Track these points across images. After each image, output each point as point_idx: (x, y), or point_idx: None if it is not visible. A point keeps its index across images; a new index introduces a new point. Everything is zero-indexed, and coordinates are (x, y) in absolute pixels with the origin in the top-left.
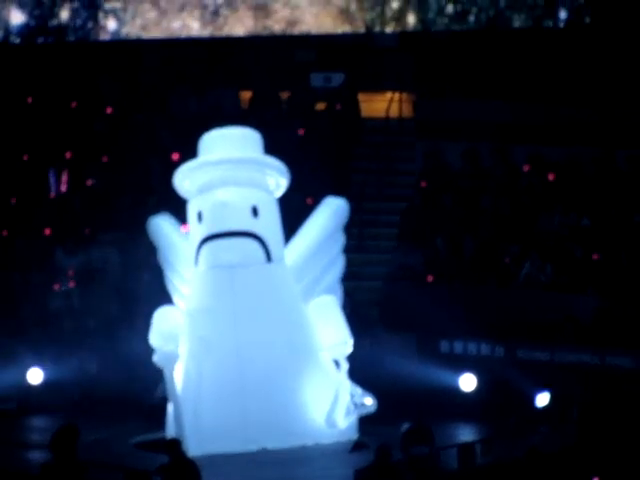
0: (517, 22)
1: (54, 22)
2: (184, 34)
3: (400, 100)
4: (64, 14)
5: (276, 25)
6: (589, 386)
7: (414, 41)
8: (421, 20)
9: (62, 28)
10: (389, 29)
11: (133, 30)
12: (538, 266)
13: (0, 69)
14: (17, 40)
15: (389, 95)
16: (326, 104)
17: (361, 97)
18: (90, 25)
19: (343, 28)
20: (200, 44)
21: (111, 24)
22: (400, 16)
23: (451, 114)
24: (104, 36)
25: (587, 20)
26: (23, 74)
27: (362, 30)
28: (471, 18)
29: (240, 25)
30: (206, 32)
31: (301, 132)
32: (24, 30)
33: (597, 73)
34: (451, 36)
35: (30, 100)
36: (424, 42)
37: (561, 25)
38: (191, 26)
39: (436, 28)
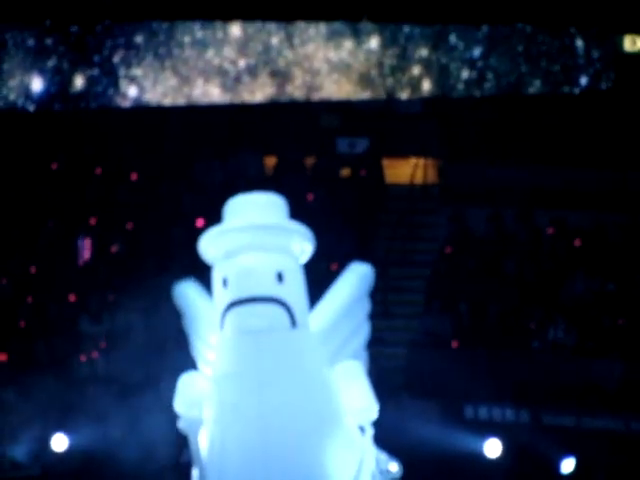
0: (536, 87)
1: (74, 89)
2: (205, 101)
3: (424, 166)
4: (83, 81)
5: (297, 91)
6: (615, 452)
7: (437, 107)
8: (441, 86)
9: (82, 95)
10: (409, 95)
11: (154, 97)
12: (563, 330)
13: (24, 136)
14: (37, 107)
15: (413, 161)
16: (351, 170)
17: (385, 163)
18: (111, 92)
19: (364, 94)
20: (223, 110)
21: (132, 91)
22: (419, 82)
23: (475, 179)
24: (125, 103)
25: (608, 85)
26: (47, 140)
27: (383, 96)
28: (490, 84)
29: (261, 92)
30: (227, 98)
31: (326, 198)
32: (45, 97)
33: (621, 137)
34: (473, 102)
35: (55, 167)
36: (447, 108)
37: (581, 90)
38: (212, 93)
39: (456, 94)
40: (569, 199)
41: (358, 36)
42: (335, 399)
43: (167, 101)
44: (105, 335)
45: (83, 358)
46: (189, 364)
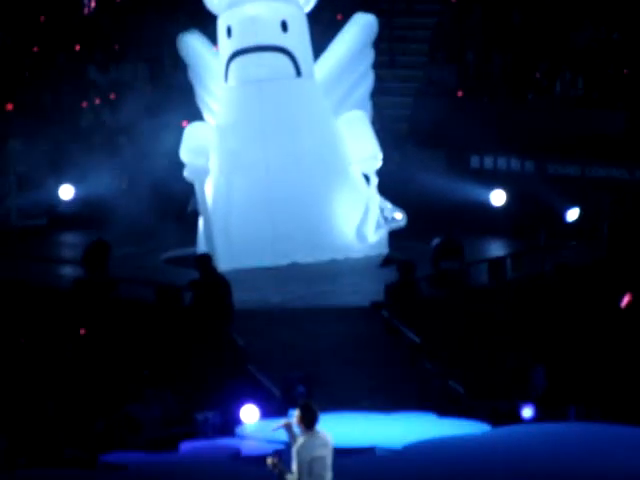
0: None
1: None
2: None
3: None
4: None
5: None
6: (618, 200)
7: None
8: None
9: None
10: None
11: None
12: (569, 81)
13: None
14: None
15: None
16: None
17: None
18: None
19: None
20: None
21: None
22: None
23: None
24: None
25: None
26: None
27: None
28: None
29: None
30: None
31: None
32: None
33: None
34: None
35: None
36: None
37: None
38: None
39: None
40: None
41: None
42: (340, 148)
43: None
44: (112, 84)
45: (87, 105)
46: (194, 117)
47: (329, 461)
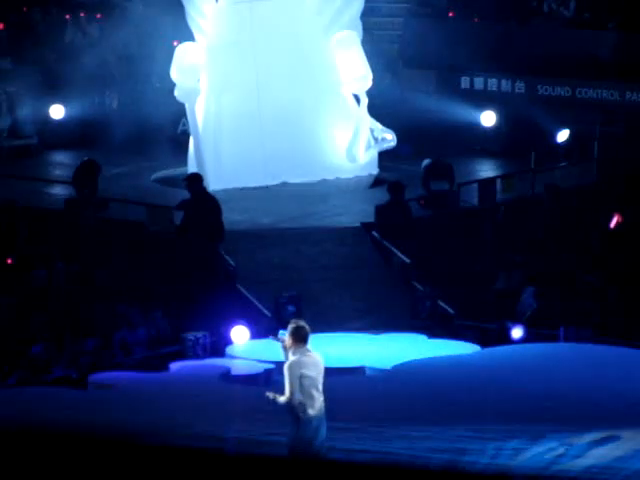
0: None
1: None
2: None
3: None
4: None
5: None
6: (609, 122)
7: None
8: None
9: None
10: None
11: None
12: (561, 1)
13: None
14: None
15: None
16: None
17: None
18: None
19: None
20: None
21: None
22: None
23: None
24: None
25: None
26: None
27: None
28: None
29: None
30: None
31: None
32: None
33: None
34: None
35: None
36: None
37: None
38: None
39: None
40: None
41: None
42: (330, 68)
43: None
44: (99, 4)
45: (70, 21)
46: (185, 38)
47: (320, 382)
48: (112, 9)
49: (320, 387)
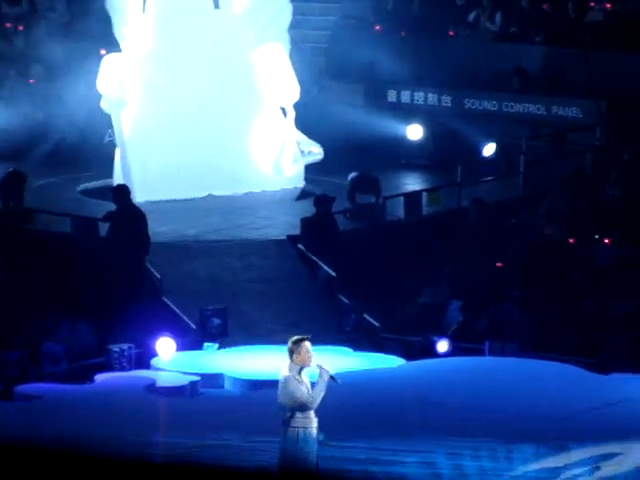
0: None
1: None
2: None
3: None
4: None
5: None
6: (534, 137)
7: None
8: None
9: None
10: None
11: None
12: (488, 15)
13: None
14: None
15: None
16: None
17: None
18: None
19: None
20: None
21: None
22: None
23: None
24: None
25: None
26: None
27: None
28: None
29: None
30: None
31: None
32: None
33: None
34: None
35: None
36: None
37: None
38: None
39: None
40: None
41: None
42: (257, 81)
43: None
44: (22, 15)
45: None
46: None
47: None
48: (37, 20)
49: None
